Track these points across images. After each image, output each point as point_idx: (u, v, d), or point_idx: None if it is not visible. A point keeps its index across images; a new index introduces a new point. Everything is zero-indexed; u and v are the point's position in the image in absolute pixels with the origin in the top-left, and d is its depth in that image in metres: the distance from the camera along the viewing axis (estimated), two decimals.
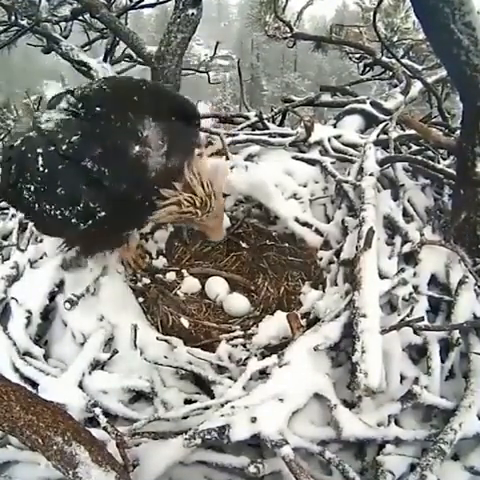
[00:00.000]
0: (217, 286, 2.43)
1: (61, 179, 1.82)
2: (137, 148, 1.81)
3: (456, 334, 1.85)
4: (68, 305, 2.04)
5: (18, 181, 1.92)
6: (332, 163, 2.78)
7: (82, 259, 2.24)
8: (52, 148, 1.84)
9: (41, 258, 2.30)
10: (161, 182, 1.92)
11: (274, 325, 2.10)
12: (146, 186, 1.89)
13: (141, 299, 2.33)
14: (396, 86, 4.17)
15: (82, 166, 1.79)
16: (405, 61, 4.43)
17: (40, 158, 1.85)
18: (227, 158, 2.71)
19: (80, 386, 1.78)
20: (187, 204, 2.02)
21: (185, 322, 2.25)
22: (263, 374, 1.81)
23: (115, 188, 1.82)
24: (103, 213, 1.83)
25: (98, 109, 1.84)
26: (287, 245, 2.58)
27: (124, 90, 2.03)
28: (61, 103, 1.93)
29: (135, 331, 1.98)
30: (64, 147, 1.82)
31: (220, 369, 1.96)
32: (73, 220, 1.85)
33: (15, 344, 1.91)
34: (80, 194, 1.81)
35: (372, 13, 3.84)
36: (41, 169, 1.84)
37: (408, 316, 1.87)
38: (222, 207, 2.27)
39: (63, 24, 4.37)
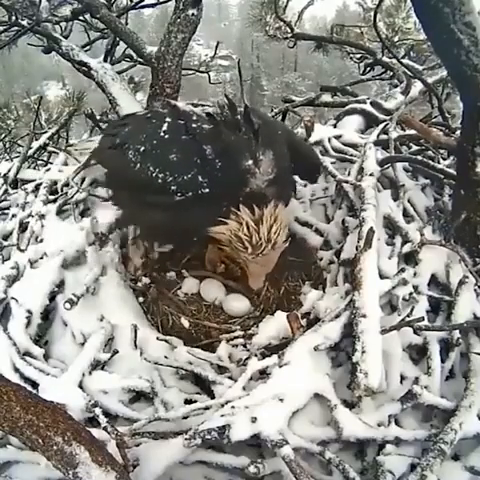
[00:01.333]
0: (214, 289, 2.43)
1: (180, 147, 1.93)
2: (250, 162, 1.88)
3: (456, 334, 1.85)
4: (68, 305, 2.04)
5: (126, 142, 2.06)
6: (332, 163, 2.79)
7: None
8: (181, 122, 1.99)
9: (41, 258, 2.30)
10: (246, 200, 1.92)
11: (274, 325, 2.10)
12: (234, 196, 1.92)
13: (141, 299, 2.33)
14: (396, 86, 4.18)
15: (202, 148, 1.89)
16: (406, 61, 4.43)
17: (165, 125, 1.99)
18: None
19: (80, 386, 1.77)
20: (245, 232, 1.93)
21: (185, 322, 2.25)
22: (263, 374, 1.81)
23: (216, 183, 1.89)
24: (207, 190, 1.87)
25: (237, 118, 1.95)
26: (287, 245, 2.58)
27: (272, 123, 2.26)
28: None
29: (135, 331, 1.98)
30: (194, 125, 1.96)
31: (220, 369, 1.96)
32: (173, 187, 1.89)
33: (15, 344, 1.90)
34: (194, 166, 1.89)
35: (373, 13, 3.83)
36: (162, 134, 1.97)
37: (408, 316, 1.87)
38: (273, 261, 2.10)
39: (63, 24, 4.35)
